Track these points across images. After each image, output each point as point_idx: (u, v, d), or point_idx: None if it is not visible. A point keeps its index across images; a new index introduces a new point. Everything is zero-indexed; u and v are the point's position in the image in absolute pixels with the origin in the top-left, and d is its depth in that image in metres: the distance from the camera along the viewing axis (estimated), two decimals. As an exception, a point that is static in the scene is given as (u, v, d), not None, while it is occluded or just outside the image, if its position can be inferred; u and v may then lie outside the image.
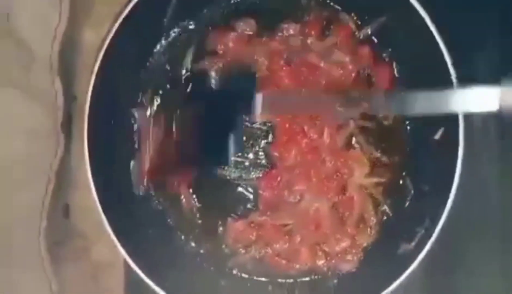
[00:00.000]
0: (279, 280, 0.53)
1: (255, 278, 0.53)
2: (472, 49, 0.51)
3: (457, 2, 0.51)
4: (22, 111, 0.48)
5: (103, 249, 0.54)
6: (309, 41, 0.53)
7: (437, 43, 0.46)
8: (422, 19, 0.47)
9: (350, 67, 0.52)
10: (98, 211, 0.49)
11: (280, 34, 0.53)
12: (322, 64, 0.52)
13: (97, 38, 0.53)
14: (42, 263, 0.50)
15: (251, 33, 0.53)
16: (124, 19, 0.49)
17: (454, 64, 0.46)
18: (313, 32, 0.53)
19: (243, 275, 0.53)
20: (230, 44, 0.53)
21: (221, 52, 0.53)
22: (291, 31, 0.53)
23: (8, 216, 0.49)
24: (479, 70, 0.51)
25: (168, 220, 0.54)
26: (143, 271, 0.49)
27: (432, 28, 0.46)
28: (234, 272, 0.53)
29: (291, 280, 0.53)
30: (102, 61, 0.49)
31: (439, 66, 0.46)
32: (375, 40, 0.52)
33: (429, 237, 0.46)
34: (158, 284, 0.49)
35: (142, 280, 0.49)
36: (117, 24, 0.49)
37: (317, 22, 0.53)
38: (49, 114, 0.51)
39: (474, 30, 0.51)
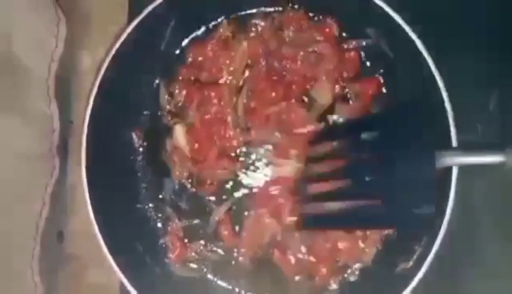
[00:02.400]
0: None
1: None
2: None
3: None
4: (17, 134, 0.48)
5: (98, 273, 0.53)
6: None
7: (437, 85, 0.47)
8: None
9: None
10: (94, 235, 0.49)
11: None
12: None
13: (93, 62, 0.54)
14: (35, 289, 0.49)
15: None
16: (121, 43, 0.50)
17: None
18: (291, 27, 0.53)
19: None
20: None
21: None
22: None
23: (0, 240, 0.48)
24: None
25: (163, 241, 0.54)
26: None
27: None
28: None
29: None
30: (100, 85, 0.49)
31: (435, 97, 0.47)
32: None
33: (427, 255, 0.46)
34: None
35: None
36: (114, 48, 0.49)
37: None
38: (45, 138, 0.51)
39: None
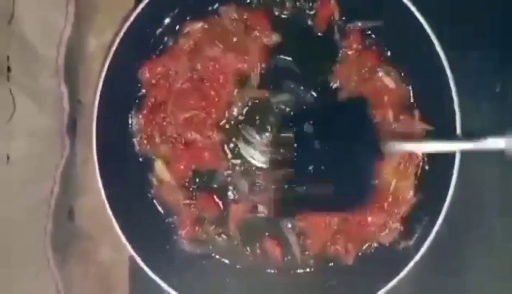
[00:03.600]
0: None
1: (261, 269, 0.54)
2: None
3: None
4: (28, 113, 0.49)
5: (109, 249, 0.55)
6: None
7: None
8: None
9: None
10: (105, 212, 0.51)
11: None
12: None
13: (101, 43, 0.54)
14: (48, 264, 0.51)
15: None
16: (128, 26, 0.50)
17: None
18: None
19: (251, 267, 0.54)
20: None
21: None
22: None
23: (14, 217, 0.49)
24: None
25: (172, 219, 0.55)
26: (148, 266, 0.50)
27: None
28: (238, 266, 0.54)
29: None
30: (109, 65, 0.50)
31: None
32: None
33: (428, 234, 0.47)
34: (164, 280, 0.50)
35: (147, 279, 0.50)
36: (121, 31, 0.50)
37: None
38: (55, 117, 0.51)
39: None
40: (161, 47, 0.53)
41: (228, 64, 0.53)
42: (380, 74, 0.52)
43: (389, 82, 0.52)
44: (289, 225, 0.53)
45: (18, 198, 0.49)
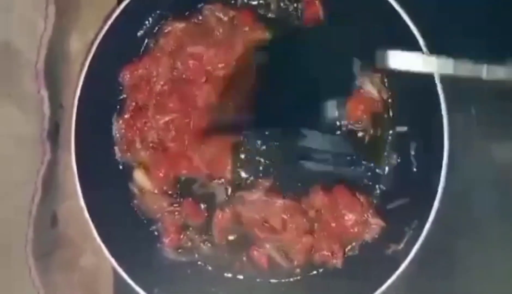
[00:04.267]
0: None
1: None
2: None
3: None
4: (11, 118, 0.48)
5: (92, 257, 0.54)
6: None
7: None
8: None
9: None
10: (86, 219, 0.50)
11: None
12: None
13: (83, 45, 0.53)
14: (30, 273, 0.50)
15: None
16: (110, 26, 0.50)
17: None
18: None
19: (238, 277, 0.53)
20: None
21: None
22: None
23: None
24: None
25: (155, 227, 0.54)
26: (131, 278, 0.49)
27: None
28: (228, 275, 0.53)
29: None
30: (88, 68, 0.49)
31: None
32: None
33: (418, 237, 0.46)
34: (146, 290, 0.49)
35: (131, 287, 0.49)
36: (103, 31, 0.50)
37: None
38: (36, 122, 0.50)
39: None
40: (142, 48, 0.53)
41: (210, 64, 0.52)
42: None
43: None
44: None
45: (1, 206, 0.49)
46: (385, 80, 0.51)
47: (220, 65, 0.52)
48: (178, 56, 0.52)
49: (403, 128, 0.51)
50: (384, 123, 0.51)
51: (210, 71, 0.52)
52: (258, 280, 0.52)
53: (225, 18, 0.53)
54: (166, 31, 0.53)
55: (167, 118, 0.52)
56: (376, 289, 0.48)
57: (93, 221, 0.49)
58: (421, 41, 0.47)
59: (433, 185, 0.46)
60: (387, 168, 0.51)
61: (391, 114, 0.52)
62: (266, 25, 0.52)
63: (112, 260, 0.49)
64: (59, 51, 0.53)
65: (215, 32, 0.52)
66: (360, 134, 0.52)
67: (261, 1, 0.53)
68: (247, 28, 0.52)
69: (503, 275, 0.52)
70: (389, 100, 0.51)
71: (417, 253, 0.46)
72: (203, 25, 0.53)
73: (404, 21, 0.47)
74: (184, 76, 0.52)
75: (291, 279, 0.52)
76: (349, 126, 0.51)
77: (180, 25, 0.52)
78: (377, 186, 0.51)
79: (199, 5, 0.53)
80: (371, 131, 0.52)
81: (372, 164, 0.51)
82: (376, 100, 0.51)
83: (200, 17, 0.53)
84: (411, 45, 0.47)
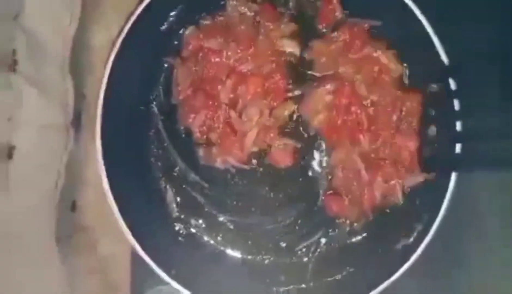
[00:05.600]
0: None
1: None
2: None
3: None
4: (38, 106, 0.49)
5: (110, 242, 0.55)
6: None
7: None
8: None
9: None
10: (106, 205, 0.51)
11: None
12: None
13: (106, 38, 0.55)
14: (51, 255, 0.51)
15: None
16: (134, 20, 0.51)
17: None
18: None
19: (257, 258, 0.55)
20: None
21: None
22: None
23: (18, 208, 0.50)
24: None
25: (180, 213, 0.56)
26: (152, 259, 0.50)
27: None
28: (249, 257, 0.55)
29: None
30: (114, 61, 0.51)
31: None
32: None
33: (427, 233, 0.47)
34: (166, 272, 0.51)
35: (150, 270, 0.51)
36: (127, 26, 0.51)
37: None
38: (61, 110, 0.52)
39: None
40: (167, 42, 0.54)
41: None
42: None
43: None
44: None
45: (23, 190, 0.50)
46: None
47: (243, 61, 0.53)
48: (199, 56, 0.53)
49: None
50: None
51: (233, 66, 0.53)
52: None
53: (249, 13, 0.53)
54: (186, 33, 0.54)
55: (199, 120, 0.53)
56: (383, 282, 0.49)
57: (115, 204, 0.50)
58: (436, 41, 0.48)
59: (443, 182, 0.47)
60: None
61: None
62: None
63: (133, 242, 0.51)
64: (83, 44, 0.55)
65: (238, 28, 0.53)
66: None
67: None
68: (270, 25, 0.53)
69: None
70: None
71: (427, 246, 0.47)
72: (224, 21, 0.54)
73: (420, 22, 0.48)
74: (204, 74, 0.53)
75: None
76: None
77: (204, 22, 0.54)
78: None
79: (222, 1, 0.54)
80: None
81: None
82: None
83: (222, 14, 0.54)
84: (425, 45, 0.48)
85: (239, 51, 0.53)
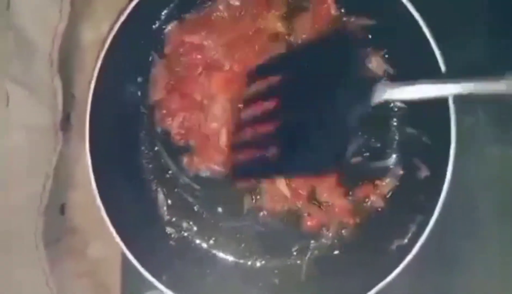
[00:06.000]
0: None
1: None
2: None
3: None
4: (26, 107, 0.49)
5: (100, 245, 0.54)
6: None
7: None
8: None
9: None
10: (96, 208, 0.50)
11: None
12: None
13: (97, 36, 0.54)
14: (39, 259, 0.50)
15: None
16: (125, 18, 0.50)
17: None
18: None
19: (250, 262, 0.54)
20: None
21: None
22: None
23: (5, 211, 0.49)
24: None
25: (170, 215, 0.55)
26: (141, 264, 0.50)
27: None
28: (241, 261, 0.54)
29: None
30: (103, 60, 0.50)
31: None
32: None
33: (422, 233, 0.47)
34: (154, 276, 0.50)
35: (139, 276, 0.50)
36: (118, 23, 0.50)
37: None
38: (50, 111, 0.51)
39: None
40: (159, 40, 0.53)
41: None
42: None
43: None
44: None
45: (10, 192, 0.49)
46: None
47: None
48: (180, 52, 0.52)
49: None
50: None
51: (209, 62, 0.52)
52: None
53: (236, 3, 0.52)
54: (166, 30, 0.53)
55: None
56: (378, 284, 0.49)
57: (105, 207, 0.49)
58: (432, 43, 0.48)
59: (439, 180, 0.47)
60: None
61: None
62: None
63: (123, 246, 0.50)
64: (72, 42, 0.54)
65: (220, 17, 0.52)
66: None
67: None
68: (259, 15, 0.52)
69: (507, 274, 0.53)
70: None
71: (422, 246, 0.47)
72: (208, 13, 0.52)
73: (416, 22, 0.48)
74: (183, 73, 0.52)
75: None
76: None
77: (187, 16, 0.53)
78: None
79: (213, -1, 0.53)
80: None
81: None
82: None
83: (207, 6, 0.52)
84: (423, 47, 0.48)
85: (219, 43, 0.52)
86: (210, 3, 0.53)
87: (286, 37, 0.52)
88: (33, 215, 0.50)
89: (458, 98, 0.46)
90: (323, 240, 0.53)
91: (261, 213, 0.54)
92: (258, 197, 0.54)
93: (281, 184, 0.52)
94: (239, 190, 0.54)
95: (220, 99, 0.52)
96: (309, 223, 0.53)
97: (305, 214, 0.53)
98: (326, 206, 0.53)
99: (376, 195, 0.52)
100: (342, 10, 0.52)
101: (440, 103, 0.47)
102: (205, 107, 0.52)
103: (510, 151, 0.52)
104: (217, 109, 0.52)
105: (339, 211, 0.52)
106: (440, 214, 0.47)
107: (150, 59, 0.54)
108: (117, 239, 0.50)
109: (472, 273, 0.53)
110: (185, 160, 0.54)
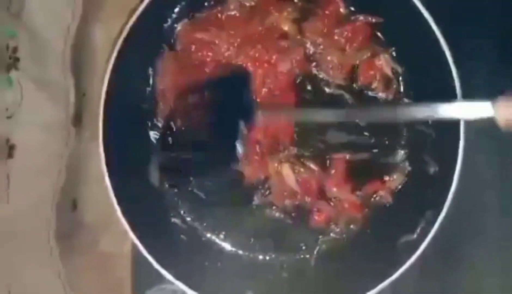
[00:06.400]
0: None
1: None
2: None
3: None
4: (36, 104, 0.49)
5: (111, 240, 0.55)
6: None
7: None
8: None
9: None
10: (108, 202, 0.51)
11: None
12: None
13: (108, 35, 0.55)
14: (51, 254, 0.51)
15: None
16: (136, 18, 0.51)
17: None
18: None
19: (260, 256, 0.55)
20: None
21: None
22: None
23: (19, 206, 0.50)
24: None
25: (182, 210, 0.56)
26: (154, 259, 0.50)
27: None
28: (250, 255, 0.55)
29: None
30: (116, 59, 0.51)
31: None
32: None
33: (431, 228, 0.48)
34: (167, 270, 0.51)
35: (150, 269, 0.51)
36: (130, 23, 0.51)
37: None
38: (62, 108, 0.52)
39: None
40: (171, 40, 0.54)
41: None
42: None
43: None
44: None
45: (24, 188, 0.50)
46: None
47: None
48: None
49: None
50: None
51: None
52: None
53: (248, 3, 0.53)
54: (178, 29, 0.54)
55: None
56: (387, 279, 0.49)
57: (119, 202, 0.50)
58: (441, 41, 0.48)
59: (448, 176, 0.48)
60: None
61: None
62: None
63: (135, 239, 0.51)
64: (84, 41, 0.55)
65: (231, 16, 0.53)
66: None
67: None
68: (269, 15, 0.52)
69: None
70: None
71: (430, 243, 0.48)
72: (219, 12, 0.53)
73: (425, 20, 0.48)
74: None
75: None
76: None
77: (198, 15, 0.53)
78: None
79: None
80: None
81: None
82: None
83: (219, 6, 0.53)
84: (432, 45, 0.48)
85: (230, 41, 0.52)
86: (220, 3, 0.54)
87: (297, 37, 0.53)
88: (46, 211, 0.51)
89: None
90: (332, 235, 0.54)
91: (271, 208, 0.54)
92: (267, 192, 0.54)
93: (290, 180, 0.53)
94: (249, 185, 0.54)
95: None
96: (317, 218, 0.54)
97: (314, 210, 0.54)
98: (335, 201, 0.53)
99: (385, 191, 0.53)
100: (352, 8, 0.53)
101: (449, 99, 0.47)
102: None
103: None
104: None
105: (348, 206, 0.53)
106: (449, 210, 0.47)
107: (161, 57, 0.55)
108: (129, 233, 0.50)
109: (478, 270, 0.53)
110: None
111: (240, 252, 0.55)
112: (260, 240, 0.55)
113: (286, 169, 0.53)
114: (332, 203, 0.54)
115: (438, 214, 0.48)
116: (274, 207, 0.54)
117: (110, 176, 0.51)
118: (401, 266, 0.48)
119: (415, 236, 0.49)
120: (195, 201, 0.55)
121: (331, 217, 0.54)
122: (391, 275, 0.49)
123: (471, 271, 0.54)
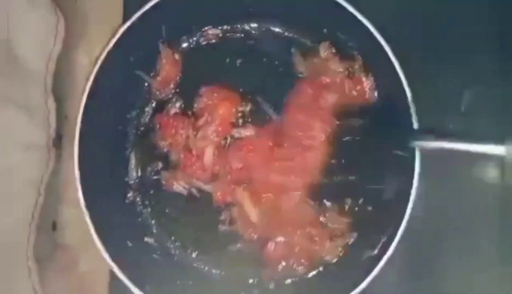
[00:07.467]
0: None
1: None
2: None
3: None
4: (20, 126, 0.51)
5: (89, 261, 0.56)
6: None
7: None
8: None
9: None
10: (86, 225, 0.52)
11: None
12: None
13: (89, 60, 0.56)
14: (30, 274, 0.51)
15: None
16: (115, 42, 0.53)
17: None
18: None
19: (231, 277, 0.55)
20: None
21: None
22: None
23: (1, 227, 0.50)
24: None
25: (156, 230, 0.57)
26: (130, 281, 0.51)
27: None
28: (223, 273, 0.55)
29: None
30: (93, 82, 0.52)
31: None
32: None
33: (391, 243, 0.49)
34: (140, 289, 0.51)
35: (126, 289, 0.51)
36: (108, 48, 0.52)
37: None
38: (43, 131, 0.53)
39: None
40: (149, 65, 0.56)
41: None
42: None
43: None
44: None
45: (5, 209, 0.50)
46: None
47: None
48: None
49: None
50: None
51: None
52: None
53: None
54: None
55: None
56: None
57: (94, 226, 0.51)
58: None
59: (406, 189, 0.49)
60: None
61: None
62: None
63: (109, 260, 0.51)
64: (66, 66, 0.56)
65: None
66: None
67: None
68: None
69: (474, 281, 0.54)
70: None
71: (390, 258, 0.49)
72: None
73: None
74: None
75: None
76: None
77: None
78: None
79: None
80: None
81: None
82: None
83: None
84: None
85: None
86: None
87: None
88: (25, 231, 0.51)
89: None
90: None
91: (235, 235, 0.55)
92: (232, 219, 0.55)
93: (250, 211, 0.54)
94: (216, 209, 0.55)
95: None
96: (271, 252, 0.53)
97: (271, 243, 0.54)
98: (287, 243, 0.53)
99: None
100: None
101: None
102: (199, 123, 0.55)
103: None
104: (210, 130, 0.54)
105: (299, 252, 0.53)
106: (409, 224, 0.49)
107: (143, 81, 0.57)
108: (103, 253, 0.51)
109: (443, 279, 0.54)
110: (166, 175, 0.56)
111: (213, 271, 0.55)
112: (231, 262, 0.55)
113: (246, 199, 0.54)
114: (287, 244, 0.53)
115: (398, 229, 0.49)
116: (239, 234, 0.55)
117: (85, 199, 0.51)
118: (362, 280, 0.49)
119: (376, 251, 0.50)
120: (169, 221, 0.56)
121: (285, 256, 0.53)
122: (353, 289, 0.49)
123: (436, 282, 0.54)
